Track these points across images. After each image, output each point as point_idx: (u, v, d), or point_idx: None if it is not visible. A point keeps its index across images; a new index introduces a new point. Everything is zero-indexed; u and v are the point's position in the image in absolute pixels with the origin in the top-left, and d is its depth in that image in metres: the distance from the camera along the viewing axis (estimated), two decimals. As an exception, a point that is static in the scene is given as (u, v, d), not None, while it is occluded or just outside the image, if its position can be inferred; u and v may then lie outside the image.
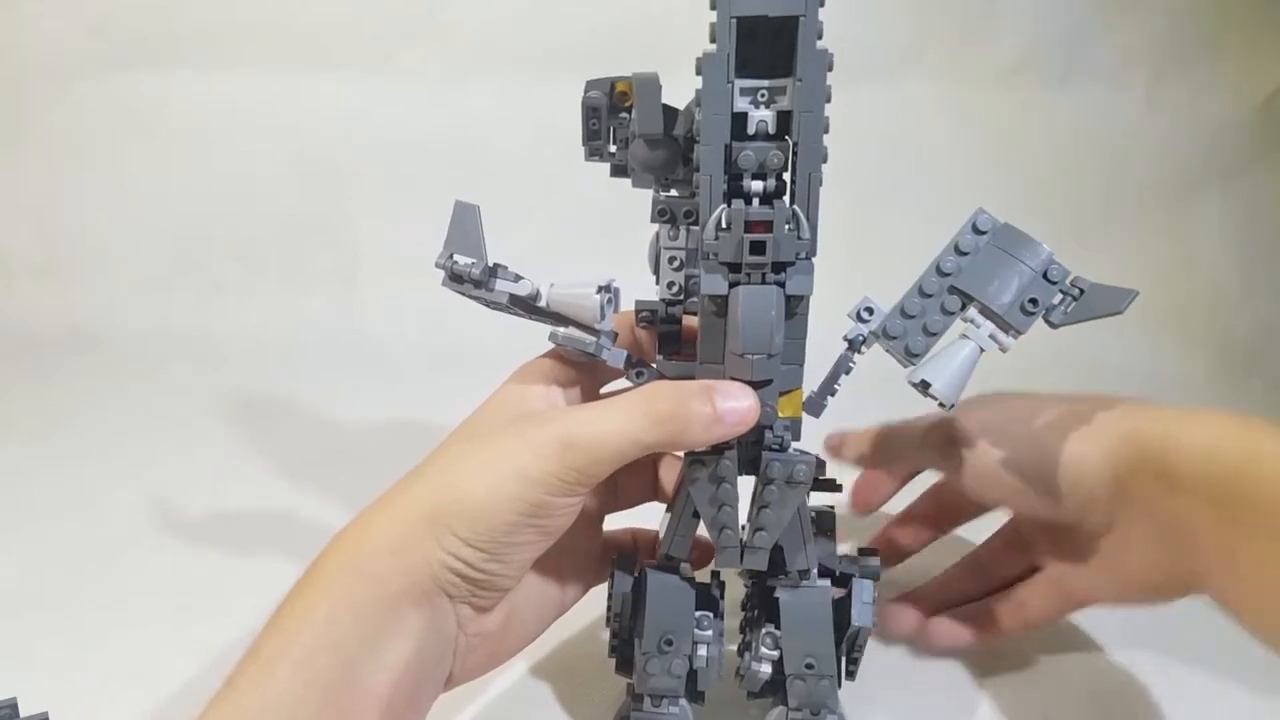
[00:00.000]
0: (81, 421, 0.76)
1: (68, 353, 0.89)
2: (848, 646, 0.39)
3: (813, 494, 0.44)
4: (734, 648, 0.42)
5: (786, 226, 0.30)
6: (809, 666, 0.37)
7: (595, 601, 0.42)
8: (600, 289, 0.35)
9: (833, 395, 0.36)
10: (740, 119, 0.30)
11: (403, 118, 0.94)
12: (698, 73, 0.30)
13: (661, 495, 0.41)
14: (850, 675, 0.40)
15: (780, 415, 0.34)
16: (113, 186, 0.96)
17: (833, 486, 0.44)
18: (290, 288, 0.95)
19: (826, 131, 0.30)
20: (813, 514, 0.45)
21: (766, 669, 0.38)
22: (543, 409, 0.36)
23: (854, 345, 0.35)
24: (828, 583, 0.38)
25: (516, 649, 0.38)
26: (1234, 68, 0.89)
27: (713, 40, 0.29)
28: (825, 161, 0.31)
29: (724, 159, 0.31)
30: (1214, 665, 0.47)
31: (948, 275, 0.35)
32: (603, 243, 0.92)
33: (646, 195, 0.38)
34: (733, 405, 0.32)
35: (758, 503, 0.34)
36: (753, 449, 0.34)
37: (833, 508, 0.46)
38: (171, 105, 0.95)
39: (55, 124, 0.96)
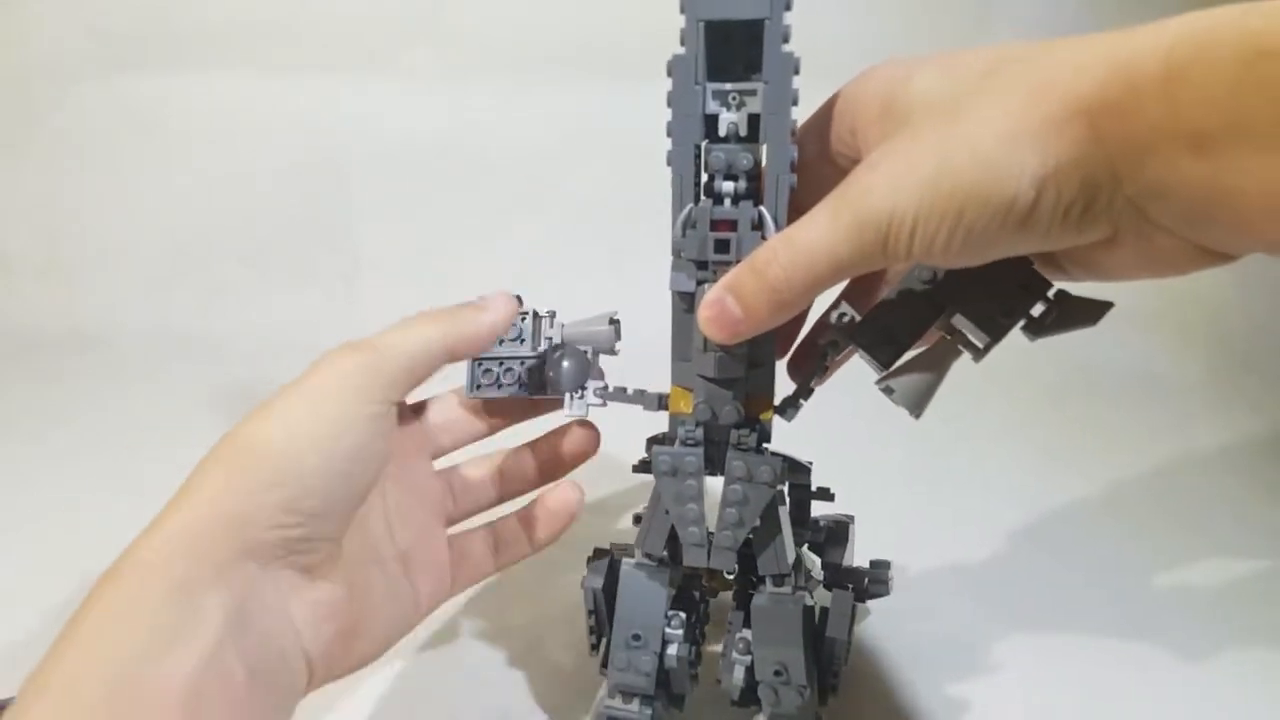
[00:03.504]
0: (81, 421, 0.76)
1: (68, 353, 0.90)
2: (825, 659, 0.38)
3: (820, 503, 0.44)
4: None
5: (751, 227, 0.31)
6: (777, 674, 0.36)
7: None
8: (612, 321, 0.38)
9: (806, 399, 0.36)
10: (713, 121, 0.31)
11: (404, 118, 0.94)
12: (668, 74, 0.31)
13: (502, 490, 0.41)
14: (832, 690, 0.39)
15: (758, 418, 0.34)
16: (114, 187, 0.96)
17: (825, 495, 0.44)
18: (291, 288, 0.95)
19: (793, 135, 0.31)
20: (820, 520, 0.46)
21: (739, 674, 0.38)
22: None
23: (828, 349, 0.35)
24: (803, 591, 0.38)
25: (380, 634, 0.36)
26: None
27: (683, 43, 0.30)
28: (792, 164, 0.31)
29: (693, 159, 0.32)
30: (1211, 663, 0.47)
31: (924, 284, 0.34)
32: (602, 242, 0.92)
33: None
34: (494, 302, 0.36)
35: (724, 501, 0.35)
36: (721, 449, 0.35)
37: (851, 518, 0.46)
38: (172, 105, 0.95)
39: (57, 124, 0.96)
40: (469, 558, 0.40)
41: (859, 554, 0.46)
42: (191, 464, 0.70)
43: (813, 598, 0.38)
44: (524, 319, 0.39)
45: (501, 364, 0.39)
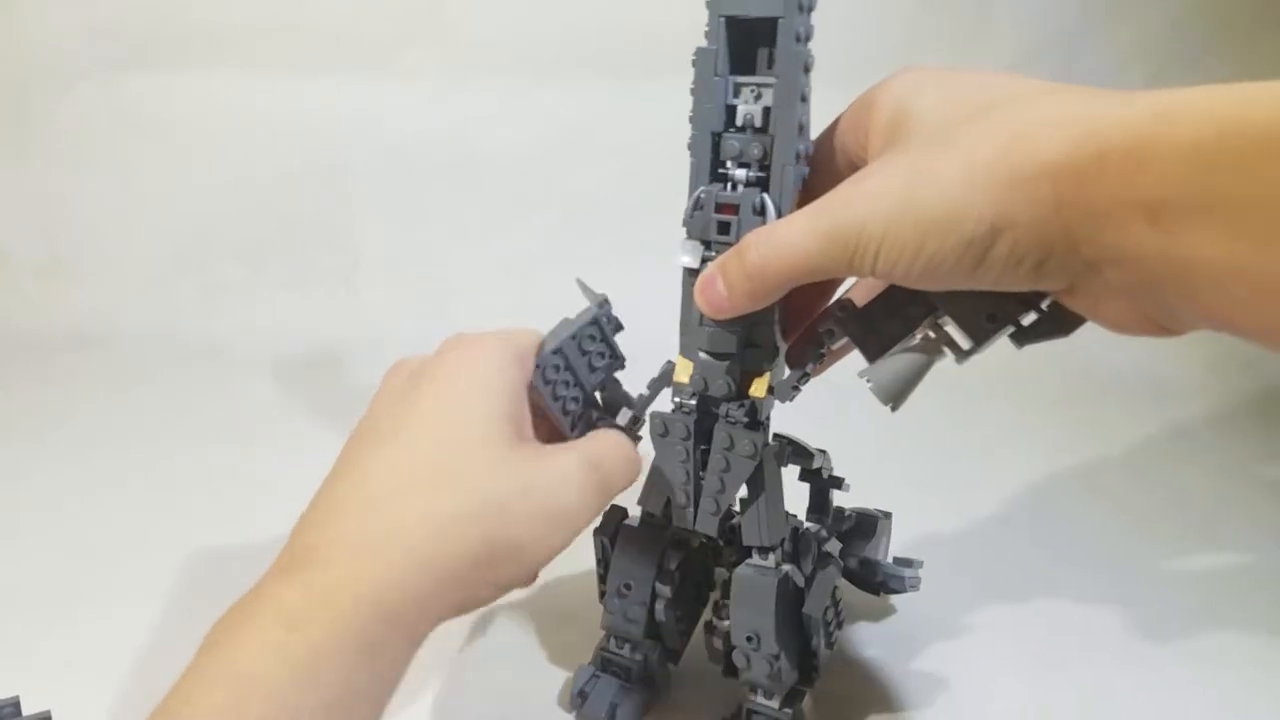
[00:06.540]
0: (82, 421, 0.76)
1: (69, 352, 0.90)
2: (806, 637, 0.39)
3: (858, 497, 0.45)
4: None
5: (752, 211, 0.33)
6: (749, 640, 0.38)
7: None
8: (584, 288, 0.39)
9: (803, 382, 0.37)
10: (733, 111, 0.33)
11: (404, 119, 0.95)
12: (693, 65, 0.33)
13: None
14: (815, 670, 0.40)
15: (749, 394, 0.36)
16: (115, 187, 0.96)
17: (835, 484, 0.44)
18: (291, 288, 0.95)
19: (803, 129, 0.33)
20: (845, 510, 0.47)
21: (718, 640, 0.40)
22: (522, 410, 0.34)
23: (825, 337, 0.37)
24: (785, 565, 0.38)
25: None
26: (1233, 68, 0.89)
27: (707, 37, 0.33)
28: (801, 157, 0.33)
29: (711, 146, 0.34)
30: (1210, 659, 0.47)
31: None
32: (602, 242, 0.92)
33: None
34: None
35: (709, 469, 0.37)
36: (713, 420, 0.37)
37: (888, 514, 0.48)
38: (174, 106, 0.95)
39: (59, 124, 0.96)
40: None
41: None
42: (191, 464, 0.70)
43: (839, 581, 0.40)
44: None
45: (569, 385, 0.37)
